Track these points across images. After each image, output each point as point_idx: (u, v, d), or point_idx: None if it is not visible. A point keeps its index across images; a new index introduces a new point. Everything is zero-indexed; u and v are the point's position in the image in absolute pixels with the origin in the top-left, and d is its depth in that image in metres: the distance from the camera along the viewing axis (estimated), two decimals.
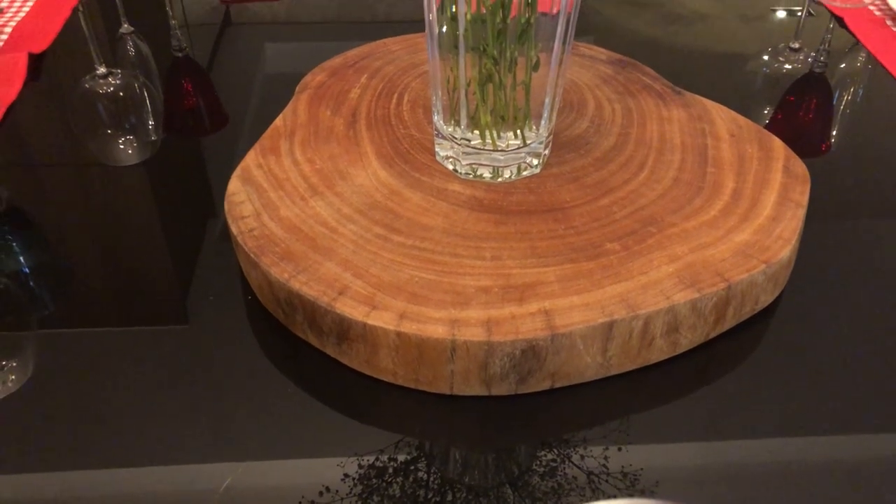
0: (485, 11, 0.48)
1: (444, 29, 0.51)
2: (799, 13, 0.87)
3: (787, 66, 0.78)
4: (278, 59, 0.82)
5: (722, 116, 0.60)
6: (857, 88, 0.75)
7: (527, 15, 0.48)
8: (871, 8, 0.84)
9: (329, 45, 0.82)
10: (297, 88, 0.64)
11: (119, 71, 0.77)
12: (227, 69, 0.77)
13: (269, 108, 0.66)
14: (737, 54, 0.80)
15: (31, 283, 0.53)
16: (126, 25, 0.85)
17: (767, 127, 0.68)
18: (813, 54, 0.79)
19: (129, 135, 0.68)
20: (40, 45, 0.76)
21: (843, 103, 0.73)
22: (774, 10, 0.89)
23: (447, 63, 0.52)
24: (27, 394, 0.45)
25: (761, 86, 0.76)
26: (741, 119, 0.60)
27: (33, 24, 0.80)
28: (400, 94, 0.63)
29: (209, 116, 0.71)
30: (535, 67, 0.52)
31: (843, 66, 0.78)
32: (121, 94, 0.74)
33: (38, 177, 0.64)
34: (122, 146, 0.68)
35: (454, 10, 0.49)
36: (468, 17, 0.49)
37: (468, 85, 0.52)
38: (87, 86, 0.74)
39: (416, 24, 0.83)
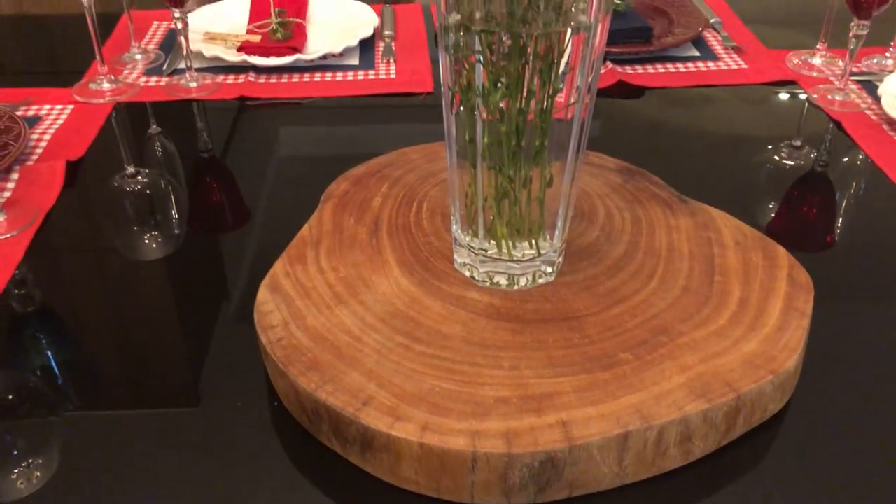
0: (500, 123, 0.51)
1: (463, 145, 0.54)
2: (801, 95, 0.90)
3: (789, 162, 0.82)
4: (294, 141, 0.86)
5: (727, 225, 0.63)
6: (856, 189, 0.78)
7: (540, 139, 0.52)
8: (868, 112, 0.88)
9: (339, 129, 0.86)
10: (323, 197, 0.67)
11: (147, 170, 0.81)
12: (244, 154, 0.81)
13: (289, 197, 0.69)
14: (739, 147, 0.83)
15: (58, 380, 0.56)
16: (154, 126, 0.89)
17: (771, 225, 0.71)
18: (814, 154, 0.82)
19: (156, 230, 0.72)
20: (77, 153, 0.80)
21: (843, 203, 0.76)
22: (777, 93, 0.93)
23: (465, 178, 0.55)
24: (59, 495, 0.47)
25: (765, 183, 0.79)
26: (745, 227, 0.62)
27: (70, 131, 0.84)
28: (420, 201, 0.66)
29: (232, 211, 0.74)
30: (549, 184, 0.55)
31: (842, 166, 0.81)
32: (147, 191, 0.77)
33: (73, 274, 0.67)
34: (148, 241, 0.71)
35: (471, 134, 0.53)
36: (486, 140, 0.52)
37: (485, 200, 0.55)
38: (116, 184, 0.78)
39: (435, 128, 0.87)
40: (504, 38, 0.49)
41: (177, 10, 0.88)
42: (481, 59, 0.50)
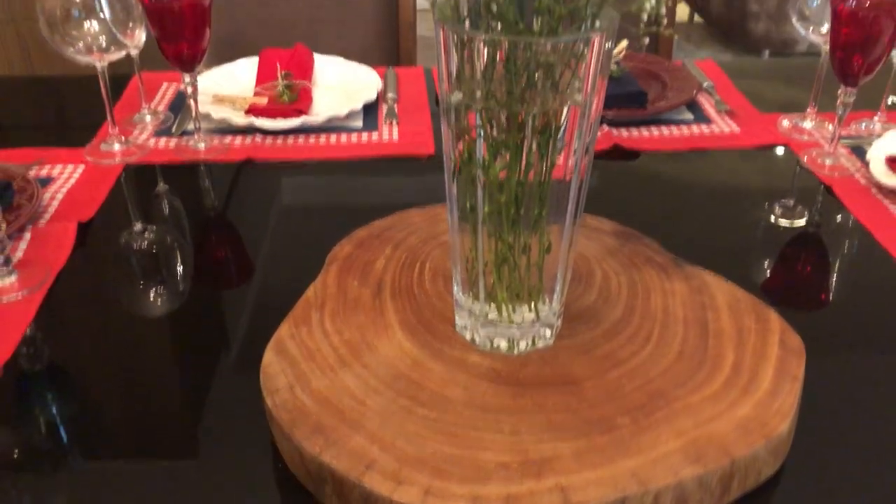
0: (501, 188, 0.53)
1: (464, 211, 0.56)
2: (793, 158, 0.93)
3: (782, 223, 0.84)
4: (299, 201, 0.88)
5: (721, 289, 0.64)
6: (847, 252, 0.80)
7: (539, 209, 0.54)
8: (857, 175, 0.91)
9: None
10: (328, 259, 0.69)
11: (156, 229, 0.83)
12: (250, 213, 0.83)
13: (293, 256, 0.70)
14: (733, 209, 0.85)
15: (65, 436, 0.57)
16: (163, 186, 0.92)
17: (763, 286, 0.73)
18: (806, 217, 0.85)
19: (163, 289, 0.74)
20: (87, 213, 0.82)
21: (835, 265, 0.78)
22: (770, 157, 0.96)
23: (466, 243, 0.57)
24: None
25: (758, 244, 0.81)
26: (738, 291, 0.64)
27: (82, 192, 0.86)
28: (422, 263, 0.68)
29: (238, 271, 0.76)
30: (548, 250, 0.57)
31: (832, 228, 0.83)
32: (156, 251, 0.79)
33: (82, 333, 0.69)
34: (155, 300, 0.73)
35: (472, 202, 0.55)
36: (486, 209, 0.54)
37: (485, 265, 0.57)
38: (125, 244, 0.80)
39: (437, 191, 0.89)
40: (503, 115, 0.51)
41: (187, 75, 0.91)
42: (482, 132, 0.53)
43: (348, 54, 1.19)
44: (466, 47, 0.49)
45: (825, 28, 0.97)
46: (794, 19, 1.00)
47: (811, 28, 0.98)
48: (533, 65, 0.48)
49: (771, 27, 2.77)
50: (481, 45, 0.49)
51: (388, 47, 1.48)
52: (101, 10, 0.88)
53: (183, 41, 0.88)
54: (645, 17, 0.48)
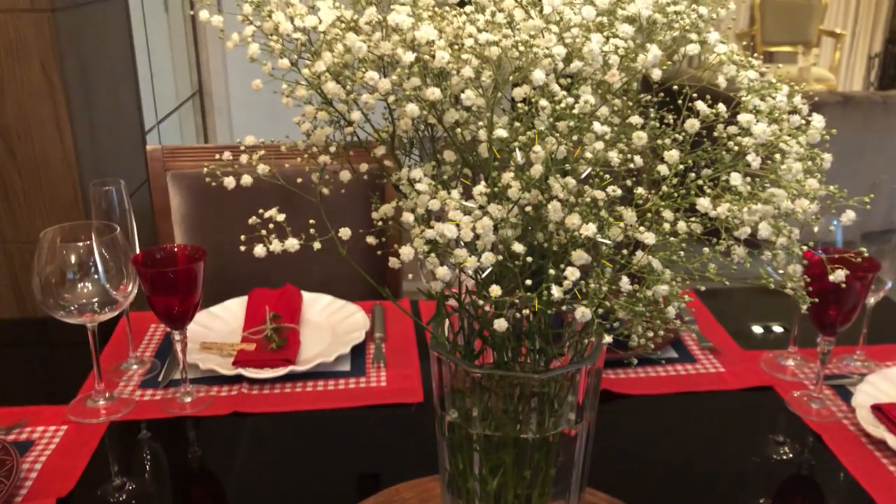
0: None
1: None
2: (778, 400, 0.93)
3: (772, 470, 0.84)
4: (286, 452, 0.86)
5: None
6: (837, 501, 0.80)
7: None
8: (845, 422, 0.91)
9: None
10: None
11: (138, 490, 0.80)
12: (238, 465, 0.81)
13: None
14: (720, 456, 0.84)
15: None
16: (147, 448, 0.90)
17: None
18: (797, 466, 0.84)
19: None
20: (67, 487, 0.80)
21: None
22: (756, 400, 0.96)
23: None
24: None
25: (751, 490, 0.80)
26: None
27: (63, 457, 0.84)
28: None
29: None
30: None
31: (823, 475, 0.83)
32: None
33: None
34: None
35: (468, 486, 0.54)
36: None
37: None
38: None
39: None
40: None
41: (177, 333, 0.92)
42: (477, 447, 0.53)
43: (335, 278, 1.21)
44: (463, 376, 0.50)
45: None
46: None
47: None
48: (528, 392, 0.49)
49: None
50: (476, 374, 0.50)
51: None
52: (96, 270, 0.90)
53: (174, 302, 0.90)
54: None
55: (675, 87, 0.45)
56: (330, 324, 1.13)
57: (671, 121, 0.47)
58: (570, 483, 0.55)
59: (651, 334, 0.48)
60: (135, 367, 1.03)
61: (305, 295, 1.18)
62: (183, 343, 0.93)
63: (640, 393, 0.98)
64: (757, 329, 1.16)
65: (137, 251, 1.02)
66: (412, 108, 0.42)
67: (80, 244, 0.89)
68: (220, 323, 1.12)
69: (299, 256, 1.23)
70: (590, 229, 0.41)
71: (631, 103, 0.46)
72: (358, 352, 1.07)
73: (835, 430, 0.90)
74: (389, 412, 0.96)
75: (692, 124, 0.45)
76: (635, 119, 0.45)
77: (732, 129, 0.47)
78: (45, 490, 0.79)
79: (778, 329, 1.14)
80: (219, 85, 3.18)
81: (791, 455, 0.87)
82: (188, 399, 0.95)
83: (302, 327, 1.11)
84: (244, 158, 0.52)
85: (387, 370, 1.03)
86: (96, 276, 0.90)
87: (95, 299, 0.90)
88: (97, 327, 0.92)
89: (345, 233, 0.48)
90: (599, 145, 0.41)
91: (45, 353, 1.15)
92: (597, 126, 0.41)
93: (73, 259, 0.89)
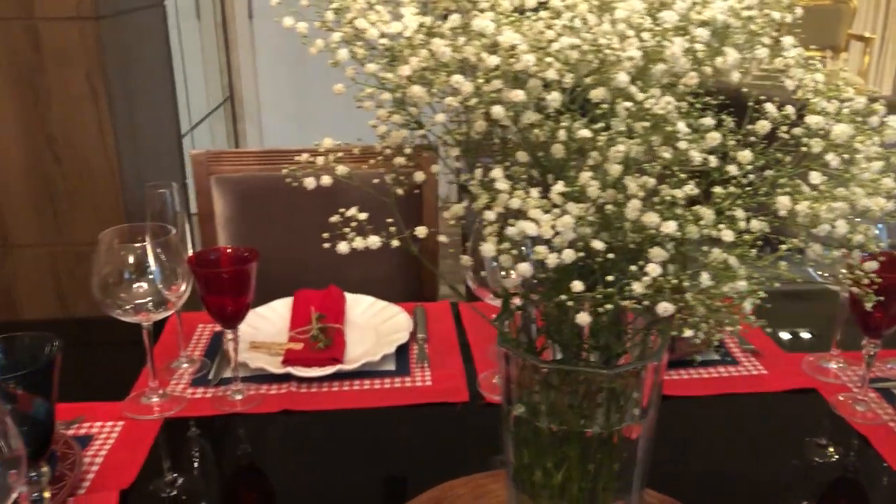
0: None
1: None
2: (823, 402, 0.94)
3: (820, 459, 0.84)
4: (334, 449, 0.88)
5: None
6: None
7: None
8: (892, 425, 0.91)
9: None
10: None
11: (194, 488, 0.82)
12: (288, 463, 0.82)
13: None
14: (766, 458, 0.85)
15: None
16: (201, 442, 0.92)
17: None
18: (843, 469, 0.85)
19: None
20: (127, 479, 0.82)
21: None
22: (799, 402, 0.96)
23: None
24: None
25: (795, 494, 0.81)
26: None
27: (122, 452, 0.86)
28: None
29: None
30: None
31: (869, 477, 0.83)
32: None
33: None
34: None
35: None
36: None
37: None
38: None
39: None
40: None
41: (229, 332, 0.94)
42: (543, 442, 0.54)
43: (371, 282, 1.22)
44: (531, 372, 0.51)
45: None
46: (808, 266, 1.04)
47: (827, 276, 1.03)
48: (594, 388, 0.50)
49: None
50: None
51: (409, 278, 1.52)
52: (151, 271, 0.93)
53: (227, 301, 0.92)
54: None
55: (744, 89, 0.47)
56: (373, 324, 1.15)
57: (731, 123, 0.48)
58: (631, 480, 0.56)
59: (719, 329, 0.49)
60: (185, 365, 1.05)
61: (348, 296, 1.20)
62: (235, 342, 0.95)
63: (683, 394, 0.99)
64: (797, 333, 1.16)
65: (191, 252, 1.04)
66: (497, 110, 0.44)
67: (137, 245, 0.92)
68: (267, 323, 1.14)
69: (339, 259, 1.25)
70: (670, 226, 0.42)
71: (699, 105, 0.47)
72: (402, 352, 1.09)
73: (881, 432, 0.90)
74: (435, 411, 0.97)
75: (763, 125, 0.46)
76: (707, 120, 0.46)
77: (797, 131, 0.48)
78: (106, 483, 0.81)
79: (813, 334, 1.14)
80: (249, 91, 3.23)
81: (837, 457, 0.87)
82: (239, 397, 0.97)
83: (346, 328, 1.13)
84: (320, 160, 0.53)
85: (431, 370, 1.05)
86: (151, 276, 0.93)
87: (150, 299, 0.93)
88: (151, 328, 0.94)
89: (421, 231, 0.50)
90: (683, 145, 0.42)
91: (91, 352, 1.17)
92: (681, 125, 0.42)
93: (130, 259, 0.92)
